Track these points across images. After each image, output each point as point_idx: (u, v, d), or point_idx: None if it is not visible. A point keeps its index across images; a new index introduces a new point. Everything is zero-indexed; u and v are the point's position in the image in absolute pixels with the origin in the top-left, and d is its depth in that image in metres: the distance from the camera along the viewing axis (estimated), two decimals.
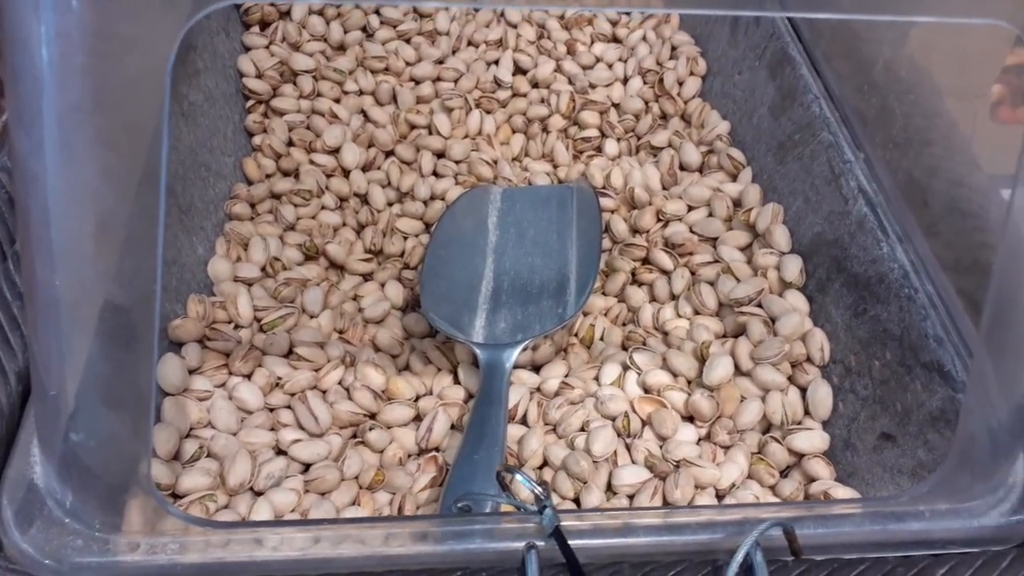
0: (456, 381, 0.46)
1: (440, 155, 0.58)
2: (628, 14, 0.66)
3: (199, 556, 0.31)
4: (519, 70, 0.63)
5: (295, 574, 0.31)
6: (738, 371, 0.44)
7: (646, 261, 0.52)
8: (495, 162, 0.57)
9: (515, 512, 0.32)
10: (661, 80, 0.61)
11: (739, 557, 0.29)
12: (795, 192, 0.51)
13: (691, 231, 0.52)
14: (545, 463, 0.42)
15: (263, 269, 0.50)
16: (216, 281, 0.49)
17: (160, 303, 0.44)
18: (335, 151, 0.57)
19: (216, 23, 0.58)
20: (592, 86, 0.62)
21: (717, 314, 0.48)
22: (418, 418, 0.44)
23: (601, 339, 0.48)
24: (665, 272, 0.51)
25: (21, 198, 0.26)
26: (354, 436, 0.43)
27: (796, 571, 0.31)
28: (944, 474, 0.33)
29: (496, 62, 0.63)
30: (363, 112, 0.60)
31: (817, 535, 0.32)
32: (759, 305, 0.46)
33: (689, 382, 0.45)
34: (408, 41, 0.64)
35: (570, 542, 0.30)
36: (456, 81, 0.61)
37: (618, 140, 0.60)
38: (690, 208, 0.53)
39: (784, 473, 0.42)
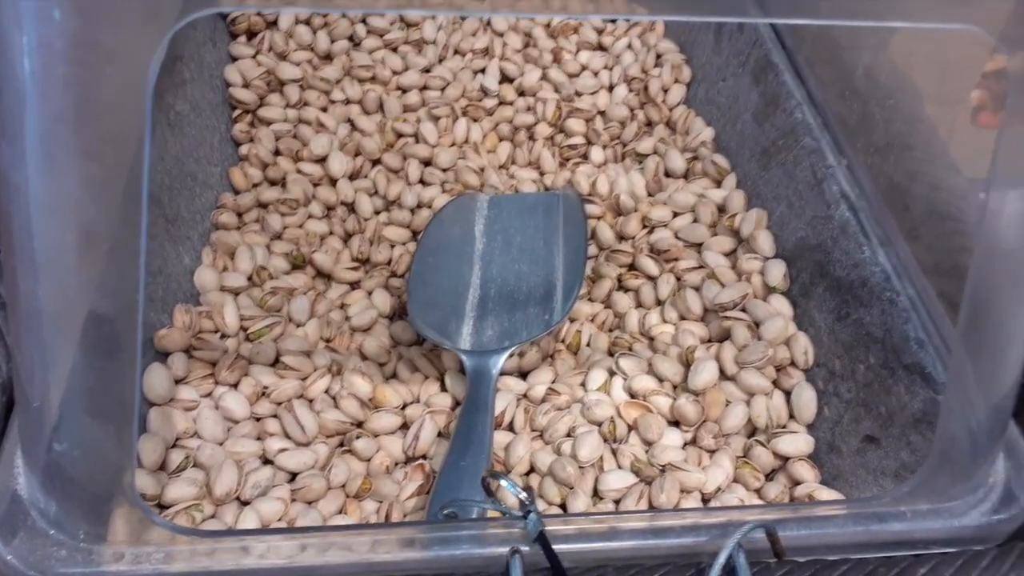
0: (443, 389, 0.46)
1: (427, 163, 0.58)
2: (614, 22, 0.67)
3: (185, 565, 0.31)
4: (505, 78, 0.63)
5: None
6: (723, 375, 0.45)
7: (632, 267, 0.52)
8: (482, 170, 0.57)
9: (501, 518, 0.32)
10: (646, 87, 0.62)
11: (721, 559, 0.29)
12: (779, 197, 0.51)
13: (676, 237, 0.52)
14: (532, 469, 0.42)
15: (249, 278, 0.50)
16: (202, 291, 0.49)
17: (145, 313, 0.44)
18: (322, 160, 0.57)
19: (203, 33, 0.58)
20: (578, 94, 0.62)
21: (702, 319, 0.48)
22: (405, 426, 0.44)
23: (587, 345, 0.48)
24: (651, 278, 0.51)
25: (3, 208, 0.26)
26: (341, 445, 0.43)
27: (779, 572, 0.31)
28: (925, 475, 0.34)
29: (483, 70, 0.64)
30: (350, 121, 0.60)
31: (800, 536, 0.33)
32: (743, 310, 0.47)
33: (675, 387, 0.45)
34: (395, 50, 0.64)
35: (555, 547, 0.30)
36: (443, 90, 0.62)
37: (604, 147, 0.60)
38: (675, 214, 0.54)
39: (769, 476, 0.42)
